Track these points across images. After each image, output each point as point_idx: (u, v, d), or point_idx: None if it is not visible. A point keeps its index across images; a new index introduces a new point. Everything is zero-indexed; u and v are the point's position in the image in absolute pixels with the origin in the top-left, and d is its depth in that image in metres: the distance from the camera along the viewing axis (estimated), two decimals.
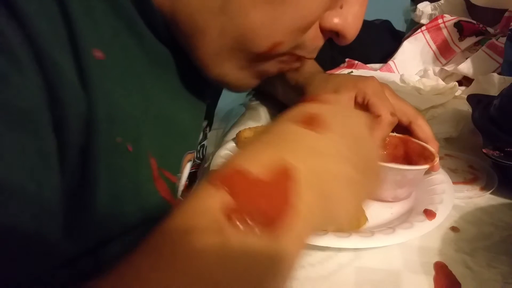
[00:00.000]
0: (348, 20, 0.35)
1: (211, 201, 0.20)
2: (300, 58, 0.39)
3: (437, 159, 0.43)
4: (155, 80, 0.37)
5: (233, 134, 0.55)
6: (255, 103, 0.72)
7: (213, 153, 0.51)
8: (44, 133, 0.24)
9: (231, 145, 0.53)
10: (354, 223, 0.38)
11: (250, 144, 0.25)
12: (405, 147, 0.47)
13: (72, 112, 0.26)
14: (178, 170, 0.41)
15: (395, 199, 0.43)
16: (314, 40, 0.37)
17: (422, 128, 0.48)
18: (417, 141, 0.46)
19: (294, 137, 0.25)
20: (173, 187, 0.40)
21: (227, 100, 0.58)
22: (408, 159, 0.47)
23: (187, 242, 0.19)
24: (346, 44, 0.37)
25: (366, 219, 0.39)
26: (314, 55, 0.40)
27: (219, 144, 0.56)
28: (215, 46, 0.35)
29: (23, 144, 0.22)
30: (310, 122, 0.25)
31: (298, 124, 0.25)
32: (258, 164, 0.22)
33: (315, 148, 0.24)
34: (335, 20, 0.35)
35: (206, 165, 0.51)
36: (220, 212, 0.20)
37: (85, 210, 0.29)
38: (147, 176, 0.35)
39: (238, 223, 0.20)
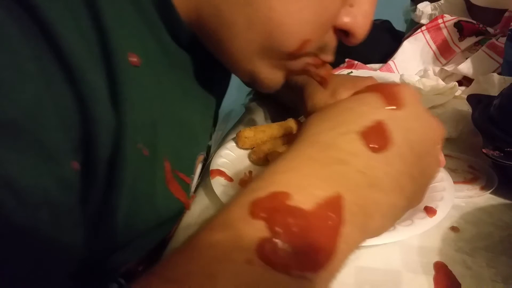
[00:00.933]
0: (357, 19, 0.35)
1: (247, 237, 0.19)
2: (324, 64, 0.39)
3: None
4: (173, 83, 0.37)
5: (233, 134, 0.55)
6: (255, 103, 0.72)
7: (214, 152, 0.51)
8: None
9: (231, 145, 0.53)
10: None
11: (293, 154, 0.23)
12: None
13: (104, 128, 0.26)
14: (192, 172, 0.41)
15: None
16: (332, 41, 0.37)
17: None
18: None
19: (348, 159, 0.23)
20: (187, 188, 0.40)
21: (227, 100, 0.58)
22: None
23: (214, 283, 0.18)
24: (355, 44, 0.37)
25: None
26: (332, 58, 0.39)
27: (220, 144, 0.56)
28: (243, 39, 0.34)
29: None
30: (372, 135, 0.24)
31: (359, 135, 0.24)
32: (304, 191, 0.21)
33: (368, 176, 0.23)
34: (345, 19, 0.35)
35: (206, 163, 0.51)
36: (255, 250, 0.19)
37: (107, 216, 0.29)
38: (161, 179, 0.35)
39: (272, 262, 0.18)
